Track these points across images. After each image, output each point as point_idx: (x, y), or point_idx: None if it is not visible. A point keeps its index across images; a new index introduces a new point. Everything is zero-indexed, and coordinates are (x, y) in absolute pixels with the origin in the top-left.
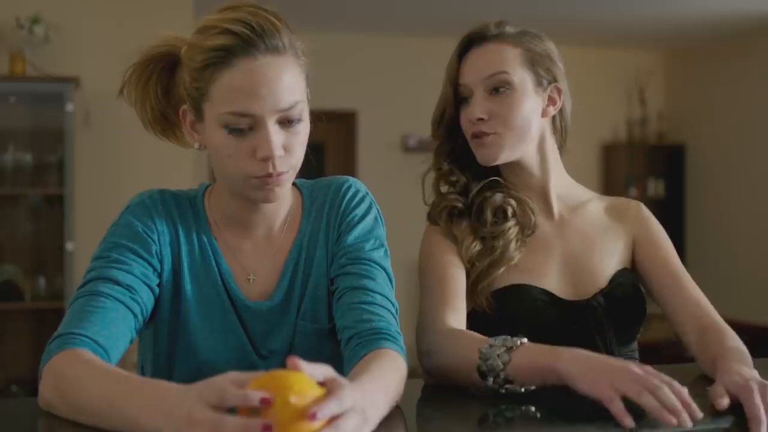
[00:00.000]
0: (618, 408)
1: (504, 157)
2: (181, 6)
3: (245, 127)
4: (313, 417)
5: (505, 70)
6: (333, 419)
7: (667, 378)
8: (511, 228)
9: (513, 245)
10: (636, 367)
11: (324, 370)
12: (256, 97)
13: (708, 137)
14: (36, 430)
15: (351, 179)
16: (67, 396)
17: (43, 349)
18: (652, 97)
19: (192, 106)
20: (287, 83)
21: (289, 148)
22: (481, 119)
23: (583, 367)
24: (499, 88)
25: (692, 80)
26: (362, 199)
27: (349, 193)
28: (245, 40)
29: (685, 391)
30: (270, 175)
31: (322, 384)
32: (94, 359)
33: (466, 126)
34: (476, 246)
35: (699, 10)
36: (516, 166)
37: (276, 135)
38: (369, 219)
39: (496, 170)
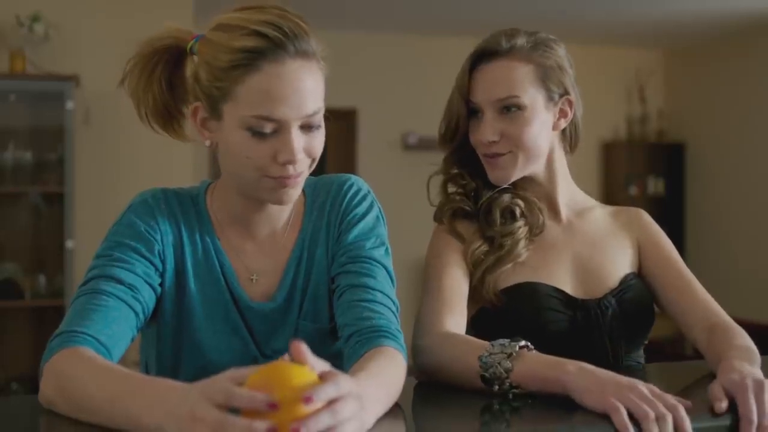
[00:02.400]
0: (622, 420)
1: (516, 176)
2: (181, 5)
3: (269, 130)
4: (308, 401)
5: (516, 94)
6: (331, 403)
7: (672, 402)
8: (521, 228)
9: (522, 243)
10: (644, 387)
11: (322, 365)
12: (283, 102)
13: (708, 136)
14: (37, 428)
15: (353, 177)
16: (69, 394)
17: (44, 347)
18: (652, 95)
19: (208, 104)
20: (312, 89)
21: (308, 151)
22: (494, 142)
23: (589, 380)
24: (511, 107)
25: (692, 79)
26: (363, 198)
27: (351, 192)
28: (276, 44)
29: (687, 422)
30: (289, 176)
31: (320, 377)
32: (96, 357)
33: (478, 145)
34: (483, 248)
35: (699, 8)
36: (524, 178)
37: (298, 139)
38: (370, 217)
39: None
